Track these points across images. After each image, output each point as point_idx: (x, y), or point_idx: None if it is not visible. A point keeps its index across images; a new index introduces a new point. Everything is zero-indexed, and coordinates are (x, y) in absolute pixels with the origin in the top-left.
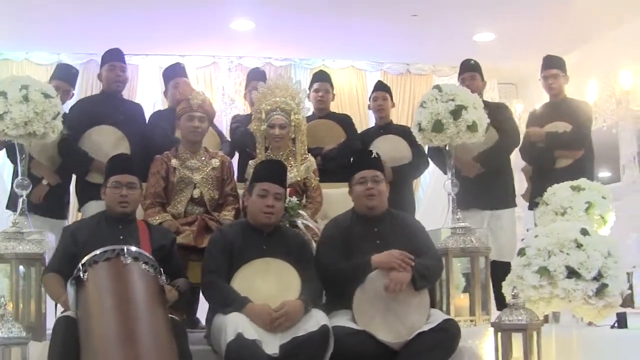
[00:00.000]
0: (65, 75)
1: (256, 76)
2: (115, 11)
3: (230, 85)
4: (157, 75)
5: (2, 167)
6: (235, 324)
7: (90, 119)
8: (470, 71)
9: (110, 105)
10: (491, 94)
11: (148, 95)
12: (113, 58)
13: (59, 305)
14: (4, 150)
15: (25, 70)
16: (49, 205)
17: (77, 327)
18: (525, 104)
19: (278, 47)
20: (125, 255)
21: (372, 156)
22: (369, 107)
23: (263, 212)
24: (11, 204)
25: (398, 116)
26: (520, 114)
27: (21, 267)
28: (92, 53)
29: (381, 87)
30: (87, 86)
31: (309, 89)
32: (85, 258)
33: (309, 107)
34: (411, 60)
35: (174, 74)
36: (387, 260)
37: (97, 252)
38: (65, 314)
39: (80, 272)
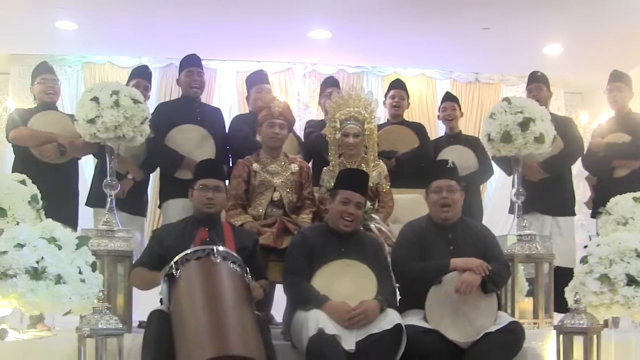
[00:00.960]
0: (143, 74)
1: (330, 84)
2: (196, 18)
3: (305, 90)
4: (234, 79)
5: (85, 164)
6: (316, 320)
7: (170, 122)
8: (536, 82)
9: (189, 109)
10: (557, 103)
11: (225, 99)
12: (191, 63)
13: (143, 299)
14: None
15: (108, 72)
16: (130, 201)
17: (169, 321)
18: (590, 114)
19: (351, 55)
20: (215, 255)
21: (448, 166)
22: (439, 117)
23: (343, 218)
24: (92, 201)
25: (466, 123)
26: (585, 124)
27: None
28: (172, 57)
29: (450, 98)
30: (166, 90)
31: (385, 95)
32: (178, 256)
33: (379, 117)
34: (480, 70)
35: (257, 80)
36: (466, 264)
37: (189, 251)
38: (158, 308)
39: (173, 270)
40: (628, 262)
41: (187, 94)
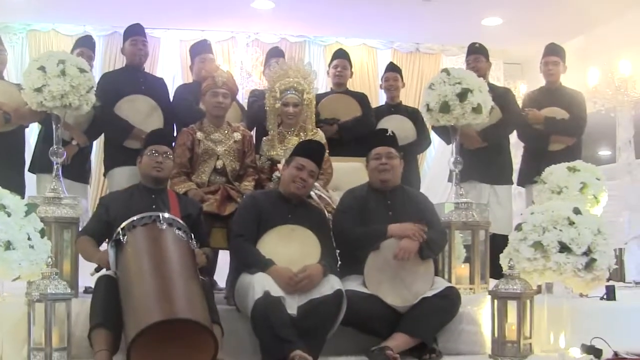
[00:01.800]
0: (87, 43)
1: (275, 54)
2: None
3: (248, 59)
4: (177, 48)
5: (29, 131)
6: (262, 283)
7: (116, 91)
8: (475, 54)
9: (134, 78)
10: (497, 74)
11: (168, 68)
12: (135, 32)
13: (88, 265)
14: None
15: (52, 40)
16: (74, 168)
17: (117, 286)
18: (529, 85)
19: (294, 25)
20: (161, 221)
21: (387, 134)
22: (381, 87)
23: (295, 182)
24: (35, 167)
25: (407, 93)
26: (523, 94)
27: None
28: (116, 26)
29: (393, 69)
30: (110, 58)
31: (329, 65)
32: (125, 222)
33: (318, 87)
34: (421, 40)
35: (201, 49)
36: (403, 230)
37: (136, 217)
38: (105, 273)
39: (120, 236)
40: (560, 230)
41: (131, 63)
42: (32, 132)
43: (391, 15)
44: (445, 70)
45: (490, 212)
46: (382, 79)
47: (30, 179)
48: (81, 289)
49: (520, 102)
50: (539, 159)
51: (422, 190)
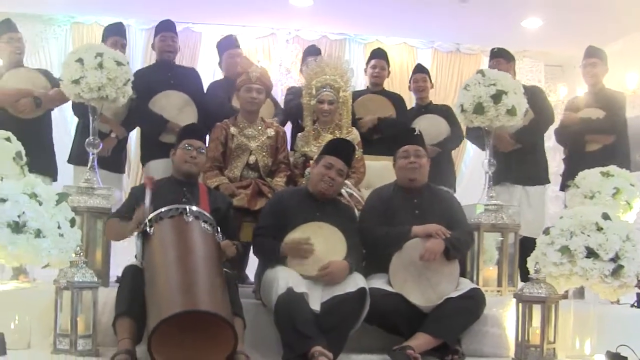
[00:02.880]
0: (120, 31)
1: (312, 52)
2: None
3: (287, 56)
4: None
5: (70, 123)
6: (286, 279)
7: (146, 88)
8: (494, 58)
9: (162, 73)
10: (538, 76)
11: (210, 62)
12: (164, 29)
13: (121, 255)
14: (70, 106)
15: (95, 33)
16: (111, 159)
17: (143, 275)
18: (570, 87)
19: (334, 22)
20: (188, 214)
21: (415, 133)
22: (409, 88)
23: (324, 181)
24: (74, 158)
25: (447, 92)
26: (564, 97)
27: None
28: (158, 20)
29: (421, 70)
30: (152, 51)
31: (366, 64)
32: (152, 214)
33: (354, 85)
34: (461, 41)
35: (228, 45)
36: (426, 230)
37: (163, 209)
38: (132, 263)
39: (147, 227)
40: (588, 235)
41: (160, 58)
42: (72, 124)
43: (432, 15)
44: (481, 72)
45: (522, 214)
46: (410, 81)
47: (68, 167)
48: (113, 279)
49: (563, 106)
50: (578, 162)
51: (458, 191)
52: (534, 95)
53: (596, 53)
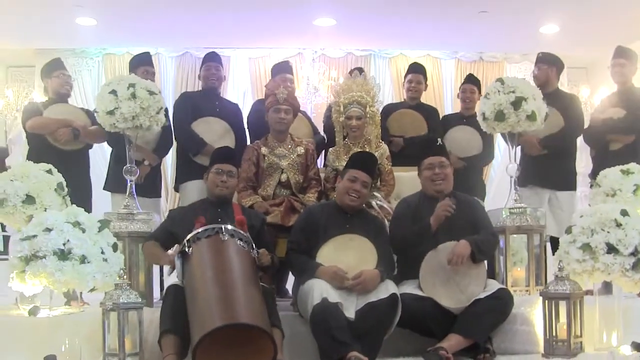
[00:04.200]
0: (147, 60)
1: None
2: (209, 9)
3: (314, 74)
4: (246, 66)
5: (106, 151)
6: (320, 290)
7: (193, 111)
8: (537, 63)
9: (209, 101)
10: (561, 79)
11: (239, 84)
12: (209, 59)
13: (161, 274)
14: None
15: (127, 63)
16: (146, 185)
17: (184, 293)
18: (593, 89)
19: (358, 39)
20: (224, 233)
21: (437, 144)
22: (458, 96)
23: (349, 194)
24: (110, 185)
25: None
26: (586, 98)
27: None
28: (188, 47)
29: (471, 81)
30: (182, 77)
31: (404, 77)
32: (190, 235)
33: (382, 100)
34: (483, 49)
35: (281, 69)
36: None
37: (200, 230)
38: (173, 283)
39: (186, 247)
40: (608, 232)
41: (205, 86)
42: (107, 152)
43: (453, 26)
44: (500, 80)
45: (553, 216)
46: (460, 89)
47: (102, 196)
48: (156, 299)
49: (591, 107)
50: (602, 161)
51: (489, 196)
52: (569, 102)
53: (624, 53)
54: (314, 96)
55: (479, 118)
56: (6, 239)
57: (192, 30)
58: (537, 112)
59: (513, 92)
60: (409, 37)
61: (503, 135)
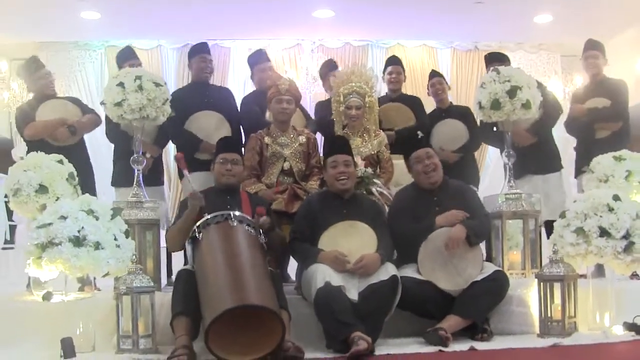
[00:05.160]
0: (132, 55)
1: (332, 68)
2: (209, 2)
3: (313, 65)
4: (246, 56)
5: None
6: (323, 274)
7: (182, 109)
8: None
9: (198, 94)
10: (555, 67)
11: (239, 75)
12: (203, 50)
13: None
14: (104, 132)
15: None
16: (148, 175)
17: (195, 278)
18: (586, 76)
19: (356, 30)
20: (232, 219)
21: (419, 137)
22: (428, 94)
23: (337, 179)
24: (115, 180)
25: (467, 90)
26: (580, 86)
27: None
28: (189, 39)
29: (435, 74)
30: (184, 70)
31: (383, 72)
32: (200, 221)
33: (379, 90)
34: (478, 39)
35: (258, 59)
36: (447, 219)
37: (209, 216)
38: (184, 267)
39: (196, 233)
40: (601, 216)
41: (198, 79)
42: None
43: (449, 16)
44: (496, 69)
45: (548, 199)
46: (427, 86)
47: (110, 191)
48: (163, 284)
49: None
50: (589, 149)
51: (485, 183)
52: (544, 91)
53: (597, 46)
54: (313, 86)
55: (475, 107)
56: (12, 228)
57: (193, 23)
58: (531, 101)
59: (508, 81)
60: (405, 27)
61: (488, 138)
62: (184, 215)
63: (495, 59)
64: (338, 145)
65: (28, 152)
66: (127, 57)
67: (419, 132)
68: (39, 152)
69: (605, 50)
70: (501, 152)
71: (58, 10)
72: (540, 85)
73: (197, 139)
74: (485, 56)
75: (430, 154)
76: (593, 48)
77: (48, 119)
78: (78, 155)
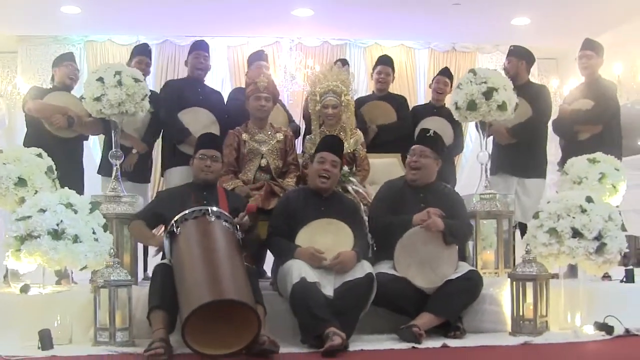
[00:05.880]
0: (144, 51)
1: (256, 58)
2: None
3: (292, 63)
4: (225, 53)
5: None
6: (299, 270)
7: (177, 99)
8: (508, 56)
9: (193, 89)
10: (531, 69)
11: (217, 72)
12: (199, 47)
13: (144, 255)
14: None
15: (108, 50)
16: (135, 171)
17: (172, 272)
18: (563, 80)
19: (334, 29)
20: (210, 214)
21: (428, 134)
22: (430, 86)
23: (320, 176)
24: (102, 170)
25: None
26: (555, 89)
27: None
28: (167, 35)
29: (445, 73)
30: (162, 65)
31: (373, 69)
32: (178, 216)
33: (356, 89)
34: (456, 40)
35: (258, 58)
36: (424, 214)
37: (187, 211)
38: (161, 261)
39: (174, 228)
40: (573, 217)
41: (192, 74)
42: (100, 140)
43: (427, 17)
44: (472, 71)
45: (519, 202)
46: (433, 80)
47: (95, 182)
48: (139, 278)
49: (560, 97)
50: (572, 150)
51: (460, 182)
52: (539, 94)
53: (592, 45)
54: (291, 84)
55: (452, 107)
56: None
57: (172, 19)
58: (507, 102)
59: (485, 82)
60: (384, 27)
61: (475, 124)
62: (148, 238)
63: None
64: (331, 144)
65: (26, 133)
66: (140, 52)
67: (430, 130)
68: (35, 136)
69: (602, 51)
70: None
71: (39, 4)
72: (546, 91)
73: (187, 131)
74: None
75: (426, 153)
76: (588, 48)
77: (50, 104)
78: (71, 150)
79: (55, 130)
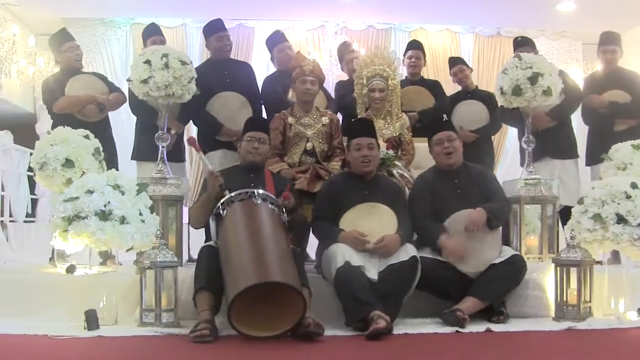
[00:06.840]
0: (157, 31)
1: (346, 48)
2: None
3: (337, 47)
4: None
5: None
6: (343, 254)
7: (204, 90)
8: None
9: (217, 73)
10: (576, 55)
11: (263, 56)
12: (220, 28)
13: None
14: (129, 109)
15: None
16: (171, 152)
17: (218, 254)
18: None
19: (380, 13)
20: (256, 197)
21: (443, 120)
22: (453, 81)
23: (361, 162)
24: (139, 154)
25: (489, 76)
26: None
27: None
28: (213, 17)
29: (459, 62)
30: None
31: (404, 55)
32: (224, 198)
33: (402, 73)
34: (501, 24)
35: (276, 41)
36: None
37: (234, 193)
38: (207, 243)
39: (220, 210)
40: (618, 203)
41: (218, 57)
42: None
43: (472, 1)
44: (518, 56)
45: (564, 186)
46: (451, 74)
47: (130, 166)
48: (184, 259)
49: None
50: (605, 140)
51: (504, 167)
52: (565, 75)
53: (614, 39)
54: (337, 68)
55: (497, 92)
56: (34, 202)
57: (218, 2)
58: (552, 88)
59: (530, 67)
60: (429, 11)
61: (507, 119)
62: (204, 195)
63: (524, 44)
64: (363, 127)
65: (54, 126)
66: (151, 32)
67: (444, 115)
68: (65, 126)
69: (621, 41)
70: (519, 133)
71: None
72: (562, 72)
73: (218, 124)
74: (515, 39)
75: (452, 137)
76: (611, 43)
77: (78, 95)
78: (102, 131)
79: (87, 118)
